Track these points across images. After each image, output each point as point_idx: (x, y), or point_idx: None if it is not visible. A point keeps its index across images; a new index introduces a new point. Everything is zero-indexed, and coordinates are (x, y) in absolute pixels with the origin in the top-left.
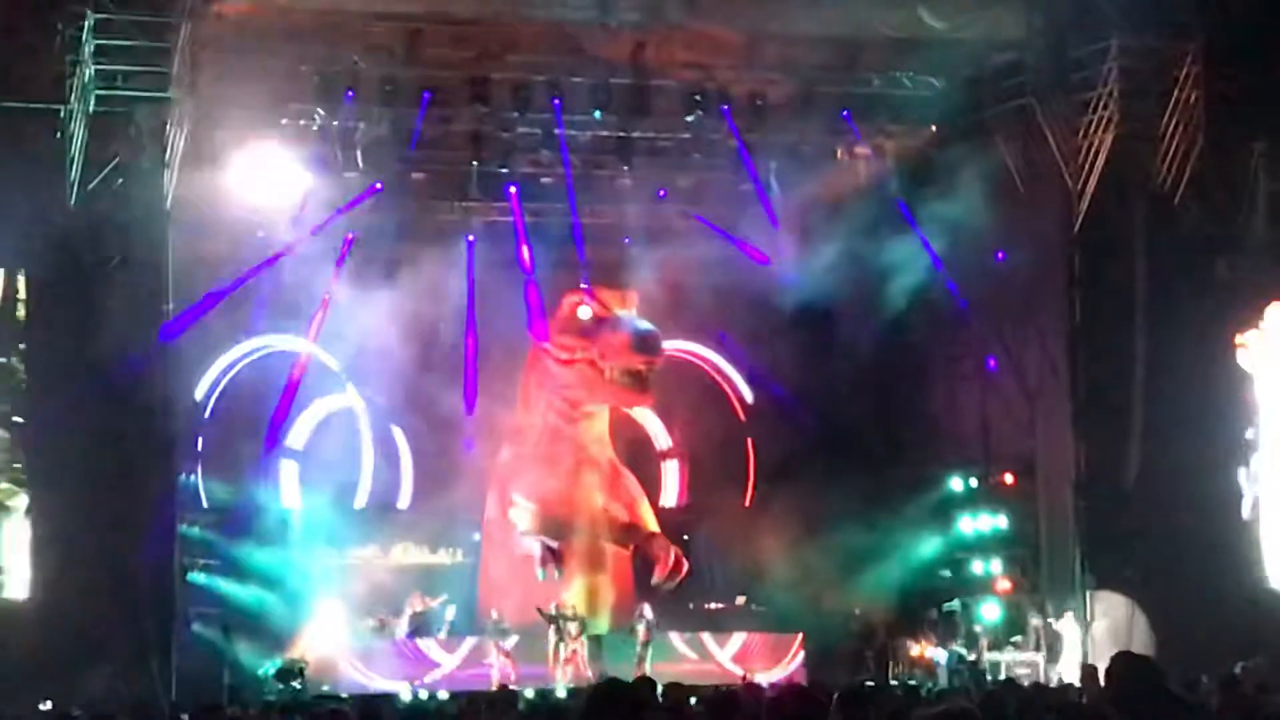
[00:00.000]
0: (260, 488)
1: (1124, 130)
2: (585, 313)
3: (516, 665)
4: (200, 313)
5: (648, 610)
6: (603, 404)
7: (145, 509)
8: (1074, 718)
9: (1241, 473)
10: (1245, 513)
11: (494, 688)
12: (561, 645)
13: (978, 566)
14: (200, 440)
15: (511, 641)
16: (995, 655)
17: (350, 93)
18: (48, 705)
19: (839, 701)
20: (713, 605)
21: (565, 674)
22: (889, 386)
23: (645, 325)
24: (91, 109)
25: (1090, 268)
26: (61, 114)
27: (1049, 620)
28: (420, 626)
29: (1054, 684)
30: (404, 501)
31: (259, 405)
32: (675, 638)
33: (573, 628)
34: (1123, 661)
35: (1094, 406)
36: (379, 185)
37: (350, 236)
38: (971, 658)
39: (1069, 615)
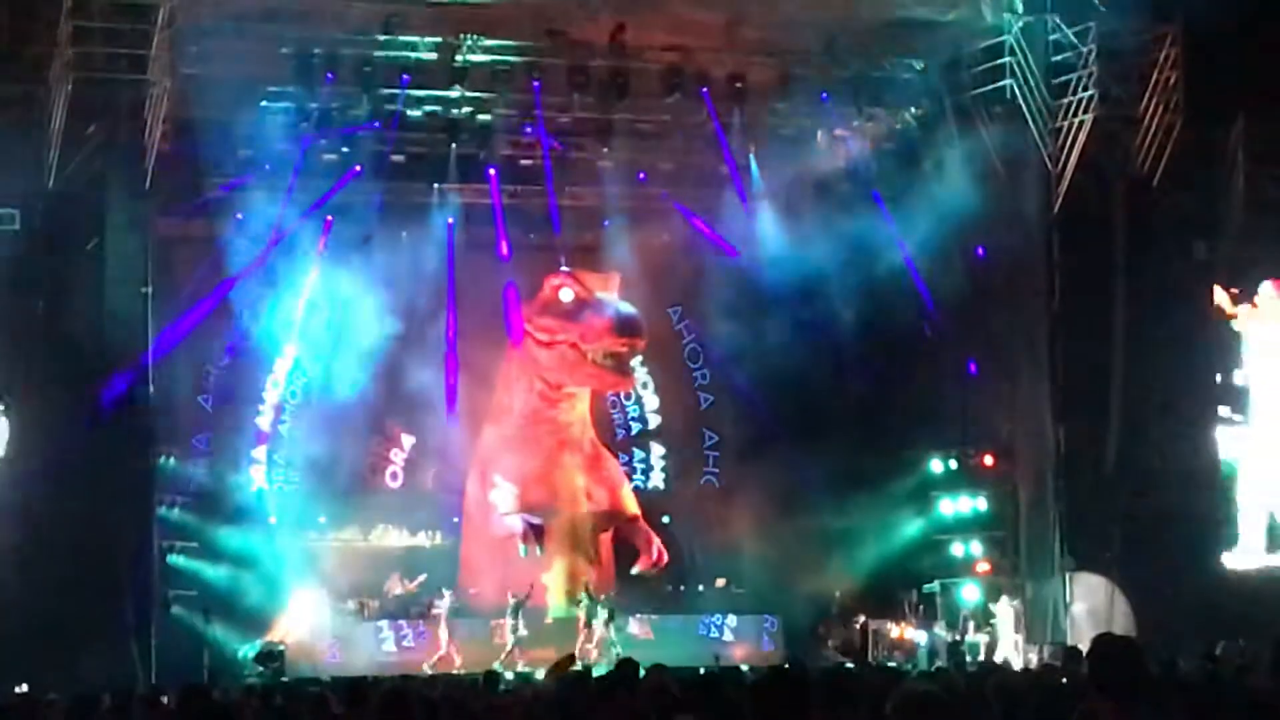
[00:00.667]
0: (239, 470)
1: (1103, 112)
2: (567, 295)
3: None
4: (190, 325)
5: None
6: (584, 386)
7: (124, 492)
8: (1055, 699)
9: (1222, 448)
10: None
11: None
12: (515, 633)
13: (957, 548)
14: (179, 422)
15: (523, 628)
16: (975, 637)
17: (330, 75)
18: (24, 688)
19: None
20: (692, 587)
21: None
22: (869, 368)
23: (627, 308)
24: (70, 90)
25: (1069, 249)
26: (40, 95)
27: (1014, 603)
28: (400, 609)
29: (1033, 665)
30: (395, 481)
31: (239, 387)
32: (651, 620)
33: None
34: (1104, 643)
35: (1073, 388)
36: (358, 169)
37: (329, 220)
38: (951, 639)
39: (1003, 599)
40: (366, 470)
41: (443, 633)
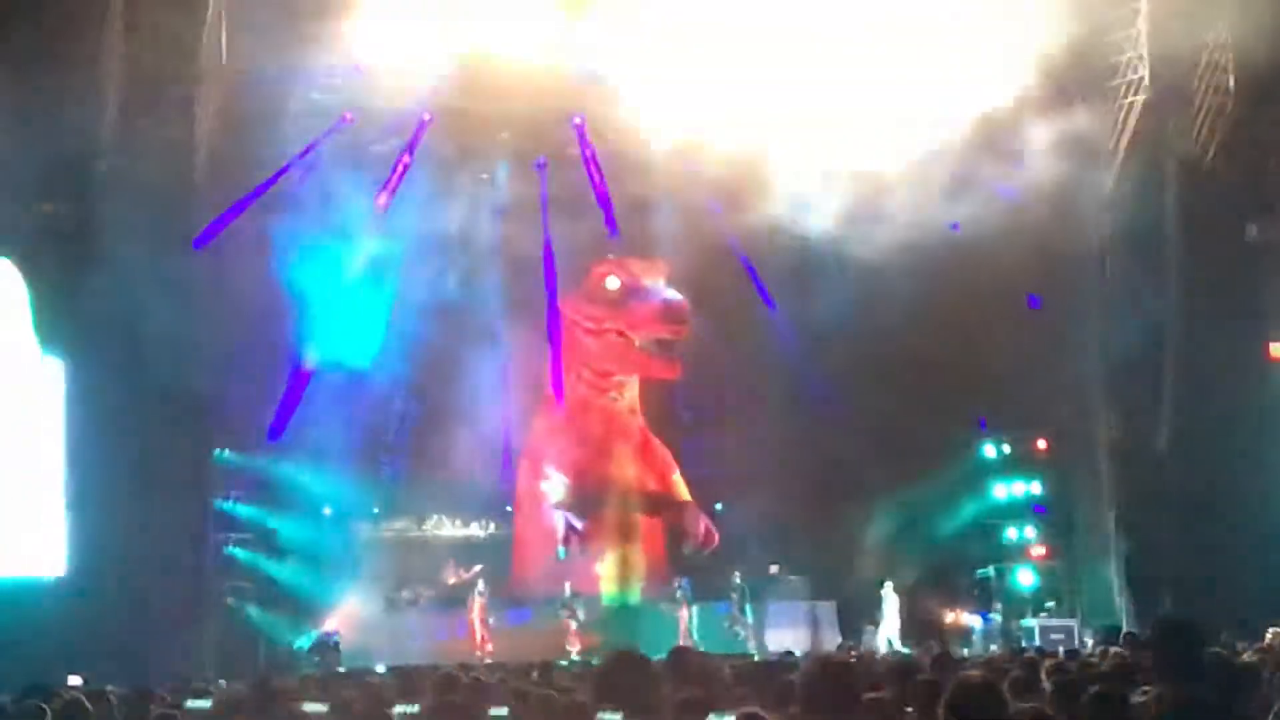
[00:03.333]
0: (294, 461)
1: (1154, 94)
2: (613, 283)
3: (584, 637)
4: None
5: (685, 583)
6: (631, 374)
7: (181, 485)
8: (1114, 683)
9: None
10: None
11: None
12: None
13: (1011, 533)
14: (235, 415)
15: (596, 609)
16: (1029, 621)
17: (378, 64)
18: (77, 680)
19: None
20: (746, 574)
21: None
22: (922, 353)
23: (673, 295)
24: (121, 86)
25: (1121, 229)
26: (92, 91)
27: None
28: (455, 598)
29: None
30: (448, 470)
31: (293, 380)
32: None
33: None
34: (1165, 626)
35: (1126, 370)
36: (408, 159)
37: (381, 210)
38: (1006, 623)
39: (888, 585)
40: (419, 459)
41: (477, 620)
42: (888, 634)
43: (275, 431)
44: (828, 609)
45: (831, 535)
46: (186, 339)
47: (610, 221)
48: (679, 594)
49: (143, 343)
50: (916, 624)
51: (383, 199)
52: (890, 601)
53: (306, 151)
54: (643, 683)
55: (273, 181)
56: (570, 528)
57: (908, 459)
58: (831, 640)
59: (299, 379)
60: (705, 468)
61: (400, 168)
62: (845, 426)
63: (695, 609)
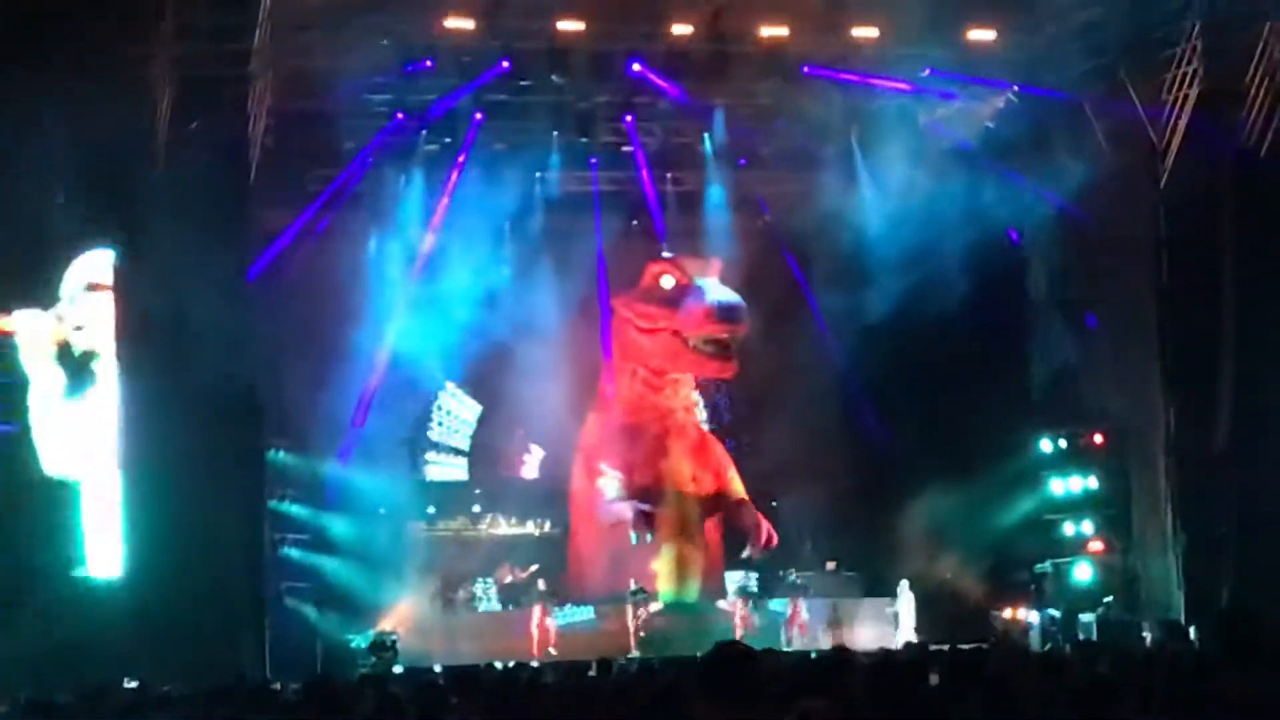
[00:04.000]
0: (348, 461)
1: (1208, 86)
2: (668, 282)
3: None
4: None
5: (746, 579)
6: (685, 373)
7: (235, 485)
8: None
9: None
10: None
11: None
12: (637, 619)
13: (1069, 528)
14: (288, 415)
15: (654, 608)
16: (1088, 616)
17: (430, 63)
18: (134, 684)
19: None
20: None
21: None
22: (977, 348)
23: (728, 295)
24: (174, 86)
25: (1176, 225)
26: (144, 92)
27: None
28: (510, 597)
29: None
30: (530, 471)
31: (347, 378)
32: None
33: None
34: (1226, 617)
35: (1183, 365)
36: (461, 159)
37: (437, 210)
38: (1064, 619)
39: (903, 584)
40: (475, 459)
41: (536, 621)
42: (904, 635)
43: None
44: (883, 605)
45: (887, 532)
46: (239, 339)
47: (658, 218)
48: (736, 592)
49: (195, 342)
50: (973, 620)
51: (440, 199)
52: (906, 600)
53: (359, 151)
54: (749, 675)
55: (331, 189)
56: (640, 513)
57: (964, 454)
58: (888, 636)
59: (361, 376)
60: (759, 464)
61: (454, 165)
62: (900, 422)
63: (753, 607)
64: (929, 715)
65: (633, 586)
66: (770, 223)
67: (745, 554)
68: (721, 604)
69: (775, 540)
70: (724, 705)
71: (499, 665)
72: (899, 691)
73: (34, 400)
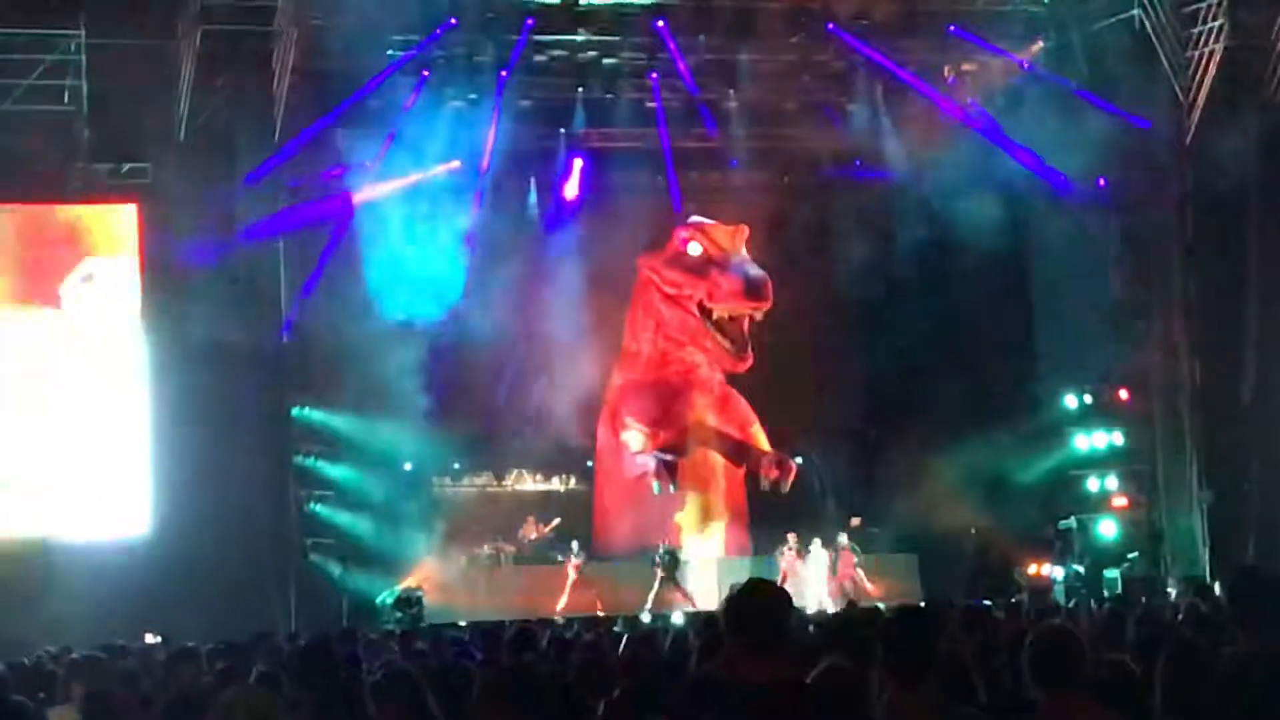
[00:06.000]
0: (374, 417)
1: (1234, 41)
2: (695, 249)
3: (690, 597)
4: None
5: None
6: (699, 355)
7: (262, 442)
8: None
9: None
10: None
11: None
12: (667, 582)
13: (1093, 484)
14: (314, 371)
15: (685, 570)
16: (1112, 572)
17: (454, 21)
18: (157, 639)
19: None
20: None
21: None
22: (1000, 304)
23: (756, 270)
24: (198, 43)
25: (1202, 180)
26: (168, 49)
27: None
28: (535, 553)
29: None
30: (529, 424)
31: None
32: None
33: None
34: (1244, 576)
35: (1208, 320)
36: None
37: (458, 164)
38: (1088, 575)
39: (815, 542)
40: (500, 414)
41: (562, 576)
42: (818, 595)
43: None
44: (909, 561)
45: (910, 488)
46: (265, 294)
47: (673, 178)
48: (777, 552)
49: (221, 299)
50: (998, 575)
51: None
52: (818, 559)
53: (385, 108)
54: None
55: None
56: (661, 464)
57: (988, 410)
58: (913, 592)
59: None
60: (781, 421)
61: (487, 125)
62: (923, 378)
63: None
64: (951, 672)
65: (662, 549)
66: (793, 180)
67: (763, 486)
68: (752, 562)
69: (792, 470)
70: (750, 646)
71: (524, 620)
72: (921, 648)
73: None
